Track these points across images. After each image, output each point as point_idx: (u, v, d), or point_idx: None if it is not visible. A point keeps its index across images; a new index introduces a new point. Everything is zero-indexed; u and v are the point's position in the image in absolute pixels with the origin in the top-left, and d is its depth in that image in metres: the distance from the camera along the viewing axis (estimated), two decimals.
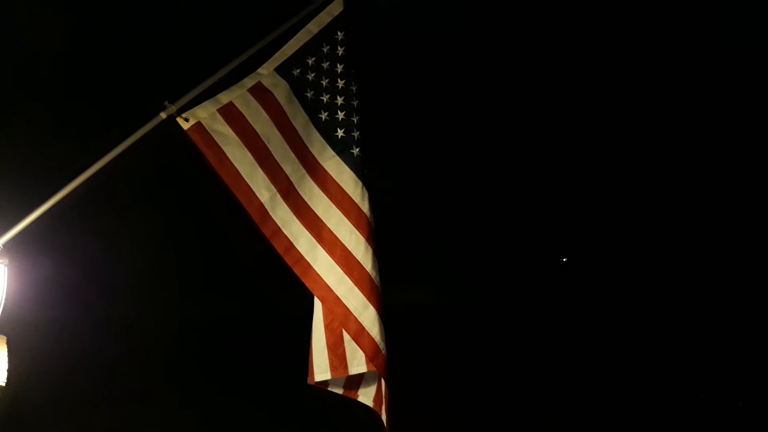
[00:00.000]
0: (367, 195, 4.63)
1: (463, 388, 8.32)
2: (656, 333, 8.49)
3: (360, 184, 4.62)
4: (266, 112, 4.57)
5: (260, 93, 4.57)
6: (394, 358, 4.53)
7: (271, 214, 4.46)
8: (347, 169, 4.63)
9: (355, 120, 4.71)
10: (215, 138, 4.44)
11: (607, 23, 8.04)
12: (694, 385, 8.45)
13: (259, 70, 4.63)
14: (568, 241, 8.97)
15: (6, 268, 3.97)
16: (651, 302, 8.54)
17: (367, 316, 4.45)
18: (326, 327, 4.55)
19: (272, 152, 4.53)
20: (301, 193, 4.56)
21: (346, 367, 4.53)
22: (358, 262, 4.51)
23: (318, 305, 4.61)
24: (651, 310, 8.53)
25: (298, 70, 4.68)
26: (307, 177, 4.60)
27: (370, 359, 4.45)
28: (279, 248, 4.48)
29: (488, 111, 8.24)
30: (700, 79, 8.23)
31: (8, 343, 4.01)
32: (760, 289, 8.35)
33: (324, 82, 4.72)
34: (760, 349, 8.28)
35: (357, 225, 4.56)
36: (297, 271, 4.51)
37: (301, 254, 4.51)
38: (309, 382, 4.64)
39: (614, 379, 8.40)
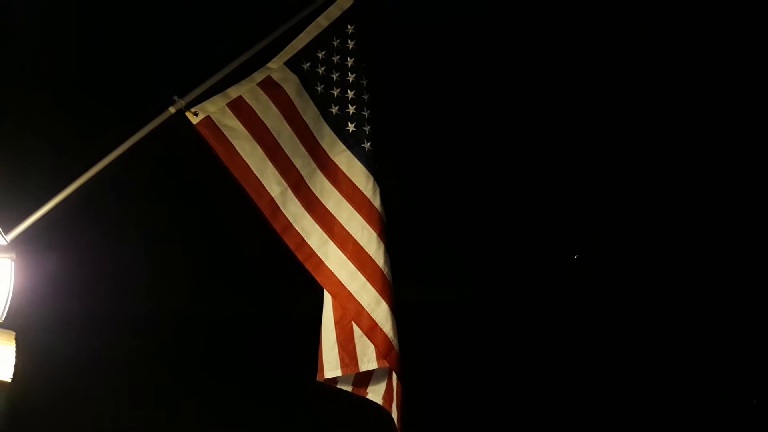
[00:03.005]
0: (378, 190, 4.58)
1: (471, 385, 8.28)
2: (668, 330, 8.44)
3: (371, 178, 4.58)
4: (276, 106, 4.52)
5: (270, 87, 4.53)
6: (402, 355, 4.49)
7: (281, 209, 4.41)
8: (358, 163, 4.59)
9: (366, 114, 4.67)
10: (225, 132, 4.39)
11: (607, 22, 8.01)
12: (707, 383, 8.40)
13: (269, 65, 4.59)
14: (579, 238, 8.92)
15: (13, 263, 3.93)
16: (662, 298, 8.49)
17: (380, 312, 4.41)
18: (336, 323, 4.51)
19: (282, 146, 4.48)
20: (312, 187, 4.51)
21: (356, 363, 4.49)
22: (371, 257, 4.47)
23: (327, 301, 4.57)
24: (662, 306, 8.48)
25: (308, 64, 4.65)
26: (318, 171, 4.55)
27: (382, 356, 4.41)
28: (290, 244, 4.43)
29: (498, 106, 8.20)
30: (703, 74, 8.19)
31: (16, 339, 3.98)
32: None
33: (334, 76, 4.69)
34: None
35: (369, 220, 4.52)
36: (309, 266, 4.46)
37: (312, 250, 4.46)
38: (318, 379, 4.61)
39: (625, 376, 8.35)
